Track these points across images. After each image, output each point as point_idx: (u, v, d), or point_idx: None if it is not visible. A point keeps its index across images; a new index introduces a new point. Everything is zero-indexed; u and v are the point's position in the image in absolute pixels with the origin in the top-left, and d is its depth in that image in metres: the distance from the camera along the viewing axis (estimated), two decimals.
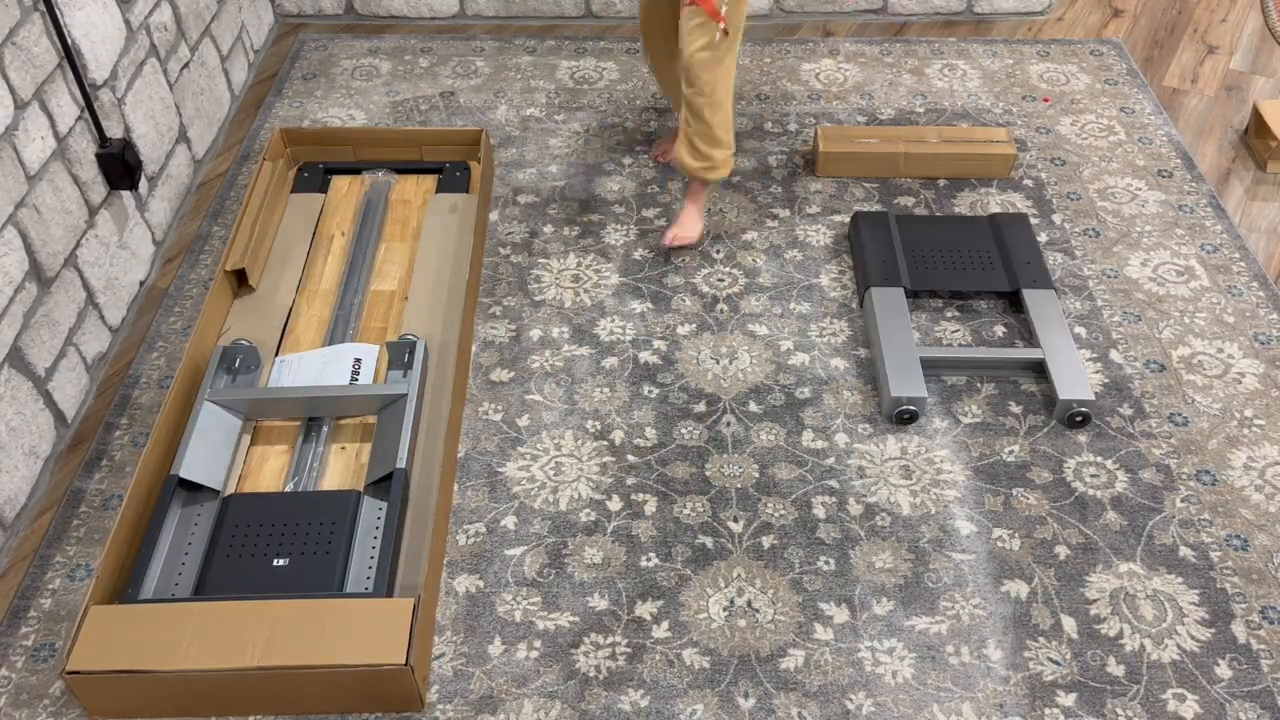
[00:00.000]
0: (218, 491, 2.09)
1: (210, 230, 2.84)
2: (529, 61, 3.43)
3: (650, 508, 2.17)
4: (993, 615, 1.99)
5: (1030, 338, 2.47)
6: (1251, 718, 1.84)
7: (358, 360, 2.33)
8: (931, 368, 2.41)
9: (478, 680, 1.90)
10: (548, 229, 2.81)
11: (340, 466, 2.18)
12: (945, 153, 2.93)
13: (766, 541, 2.11)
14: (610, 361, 2.47)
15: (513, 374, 2.44)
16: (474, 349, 2.50)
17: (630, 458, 2.26)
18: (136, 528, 2.02)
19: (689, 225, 2.72)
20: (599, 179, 2.97)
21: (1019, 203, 2.88)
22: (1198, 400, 2.37)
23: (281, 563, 1.94)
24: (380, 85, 3.32)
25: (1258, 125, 3.03)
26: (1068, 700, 1.87)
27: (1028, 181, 2.95)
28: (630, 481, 2.22)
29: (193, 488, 2.09)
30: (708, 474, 2.23)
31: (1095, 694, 1.88)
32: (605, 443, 2.29)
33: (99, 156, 2.45)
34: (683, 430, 2.31)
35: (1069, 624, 1.97)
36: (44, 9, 2.24)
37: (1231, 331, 2.52)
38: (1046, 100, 3.24)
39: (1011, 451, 2.27)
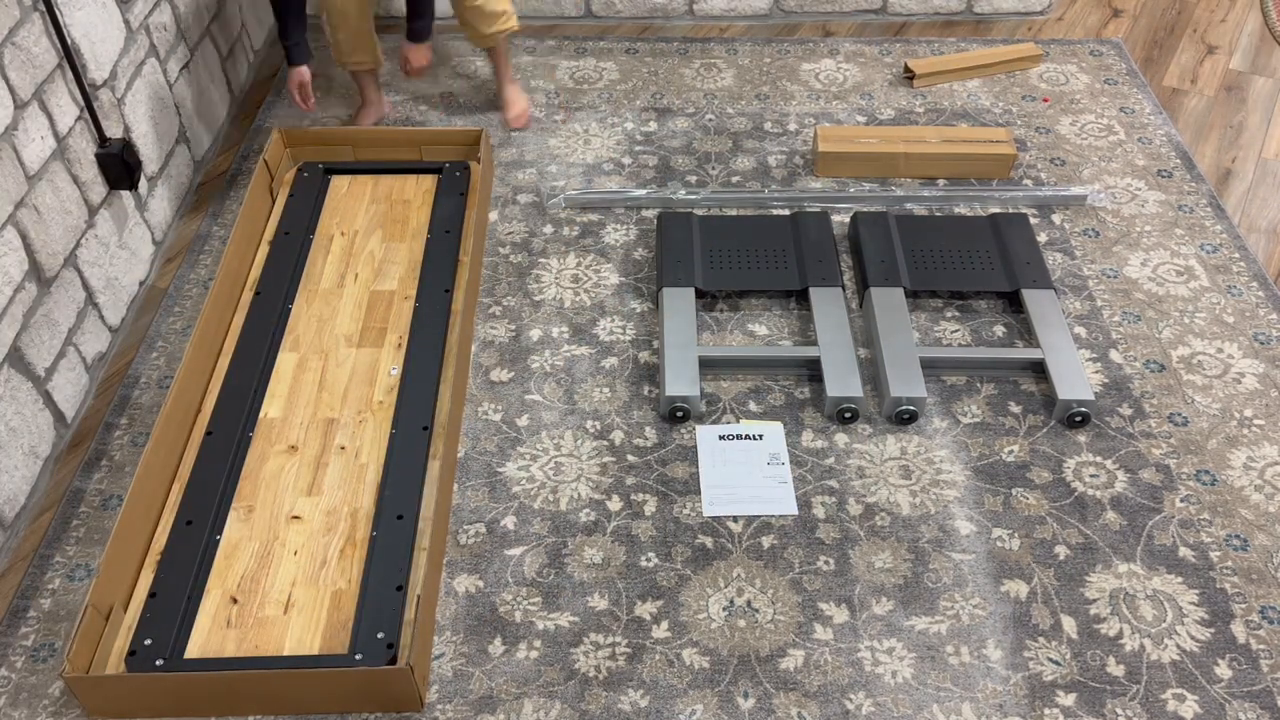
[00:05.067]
0: None
1: (210, 230, 2.83)
2: (529, 61, 3.43)
3: (650, 508, 2.17)
4: (992, 615, 1.99)
5: (1030, 338, 2.47)
6: (1251, 718, 1.84)
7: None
8: (931, 368, 2.41)
9: (478, 680, 1.90)
10: (547, 229, 2.81)
11: (340, 466, 2.18)
12: (945, 153, 2.93)
13: (766, 541, 2.11)
14: (610, 361, 2.47)
15: (513, 374, 2.44)
16: (474, 349, 2.50)
17: (630, 458, 2.26)
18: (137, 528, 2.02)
19: (522, 99, 3.14)
20: (598, 178, 2.97)
21: (1019, 203, 2.88)
22: (1197, 400, 2.37)
23: None
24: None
25: None
26: (1068, 700, 1.87)
27: (1027, 181, 2.95)
28: (630, 481, 2.22)
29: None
30: None
31: (1095, 694, 1.88)
32: (605, 443, 2.29)
33: (99, 156, 2.45)
34: (683, 430, 2.31)
35: (1069, 624, 1.97)
36: (44, 9, 2.24)
37: (1231, 331, 2.52)
38: (1046, 100, 3.24)
39: (1011, 451, 2.27)
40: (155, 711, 1.84)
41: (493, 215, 2.86)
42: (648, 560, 2.08)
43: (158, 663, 1.83)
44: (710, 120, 3.18)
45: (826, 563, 2.07)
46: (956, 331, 2.53)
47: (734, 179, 2.96)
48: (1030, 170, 2.98)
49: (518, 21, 2.99)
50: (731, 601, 2.01)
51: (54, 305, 2.28)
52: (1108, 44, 3.49)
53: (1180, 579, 2.04)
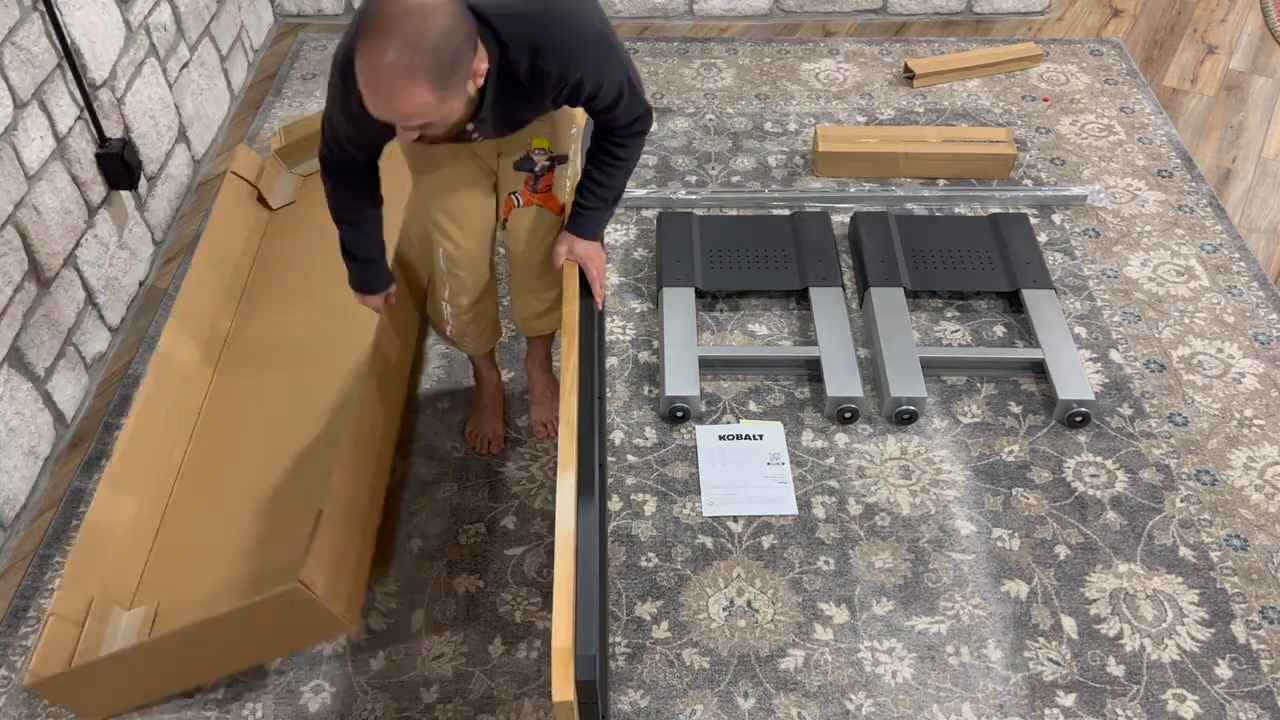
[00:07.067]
0: None
1: None
2: None
3: (650, 508, 2.17)
4: (993, 615, 1.99)
5: (1030, 338, 2.47)
6: (1251, 718, 1.84)
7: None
8: (931, 368, 2.41)
9: (478, 680, 1.90)
10: None
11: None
12: (945, 153, 2.93)
13: (766, 541, 2.11)
14: (610, 361, 2.46)
15: (512, 374, 2.44)
16: None
17: (630, 458, 2.26)
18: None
19: (555, 402, 2.25)
20: None
21: (1019, 203, 2.88)
22: (1197, 400, 2.37)
23: None
24: None
25: None
26: (1068, 700, 1.87)
27: (1027, 181, 2.95)
28: (630, 481, 2.22)
29: None
30: None
31: (1095, 694, 1.88)
32: (605, 442, 2.29)
33: (98, 156, 2.45)
34: (683, 430, 2.31)
35: (1069, 624, 1.97)
36: (44, 9, 2.24)
37: (1231, 331, 2.52)
38: (1046, 100, 3.24)
39: (1011, 451, 2.27)
40: (134, 700, 1.83)
41: None
42: (648, 560, 2.08)
43: None
44: (710, 120, 3.18)
45: (826, 563, 2.07)
46: (956, 331, 2.53)
47: (734, 179, 2.96)
48: (1030, 170, 2.98)
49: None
50: (731, 601, 2.01)
51: (54, 305, 2.28)
52: (1108, 44, 3.49)
53: (1180, 579, 2.04)
